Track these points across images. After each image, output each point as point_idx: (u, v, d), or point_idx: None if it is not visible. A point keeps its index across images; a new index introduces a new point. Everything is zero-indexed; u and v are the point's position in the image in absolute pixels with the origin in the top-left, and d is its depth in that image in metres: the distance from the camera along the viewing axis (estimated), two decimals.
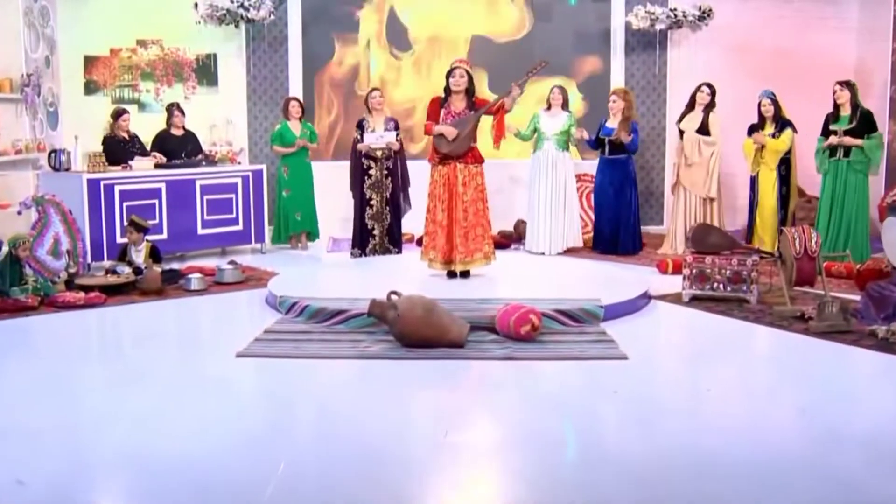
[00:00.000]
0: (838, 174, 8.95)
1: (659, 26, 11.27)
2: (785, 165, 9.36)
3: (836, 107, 9.01)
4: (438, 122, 7.65)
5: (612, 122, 9.87)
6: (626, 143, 9.70)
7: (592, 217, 10.39)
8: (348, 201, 9.47)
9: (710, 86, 9.75)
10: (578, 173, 10.50)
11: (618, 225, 9.87)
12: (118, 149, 9.64)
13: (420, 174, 9.51)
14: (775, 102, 9.34)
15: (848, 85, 8.98)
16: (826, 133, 9.03)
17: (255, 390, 5.32)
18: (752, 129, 9.47)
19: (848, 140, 8.84)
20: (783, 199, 9.38)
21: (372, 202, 9.13)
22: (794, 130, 9.26)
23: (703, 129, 9.63)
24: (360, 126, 9.23)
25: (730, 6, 11.43)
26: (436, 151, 7.65)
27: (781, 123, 9.29)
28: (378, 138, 9.08)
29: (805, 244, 7.10)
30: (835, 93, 8.99)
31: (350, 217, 9.43)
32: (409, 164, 9.53)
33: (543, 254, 9.75)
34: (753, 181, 9.53)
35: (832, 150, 8.98)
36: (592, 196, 10.36)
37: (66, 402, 4.87)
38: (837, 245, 8.78)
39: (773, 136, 9.28)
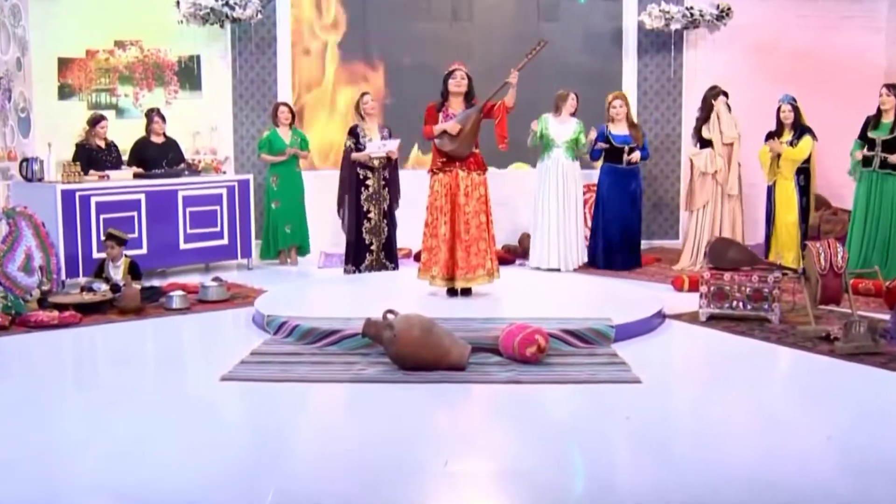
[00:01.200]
0: (873, 184, 8.94)
1: (674, 26, 11.32)
2: (804, 175, 9.39)
3: (880, 112, 8.97)
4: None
5: (619, 129, 9.91)
6: (637, 151, 9.79)
7: (589, 230, 10.40)
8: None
9: (719, 89, 9.81)
10: (588, 183, 10.54)
11: (620, 238, 9.90)
12: (91, 158, 9.67)
13: (409, 185, 9.60)
14: (796, 109, 9.37)
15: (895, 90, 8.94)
16: (864, 137, 9.01)
17: (240, 416, 5.33)
18: (769, 137, 9.50)
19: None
20: (804, 212, 9.41)
21: (370, 215, 9.15)
22: (814, 138, 9.28)
23: (727, 137, 9.70)
24: (354, 133, 9.25)
25: (750, 5, 11.48)
26: (437, 155, 7.69)
27: (800, 131, 9.32)
28: (380, 147, 9.08)
29: (831, 259, 7.12)
30: (880, 96, 8.95)
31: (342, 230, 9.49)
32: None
33: (559, 270, 9.76)
34: (770, 192, 9.56)
35: (867, 158, 8.97)
36: (593, 207, 10.35)
37: (39, 429, 4.88)
38: (873, 261, 8.76)
39: (791, 143, 9.30)
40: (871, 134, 8.97)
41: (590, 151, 10.06)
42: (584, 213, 10.36)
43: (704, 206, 9.87)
